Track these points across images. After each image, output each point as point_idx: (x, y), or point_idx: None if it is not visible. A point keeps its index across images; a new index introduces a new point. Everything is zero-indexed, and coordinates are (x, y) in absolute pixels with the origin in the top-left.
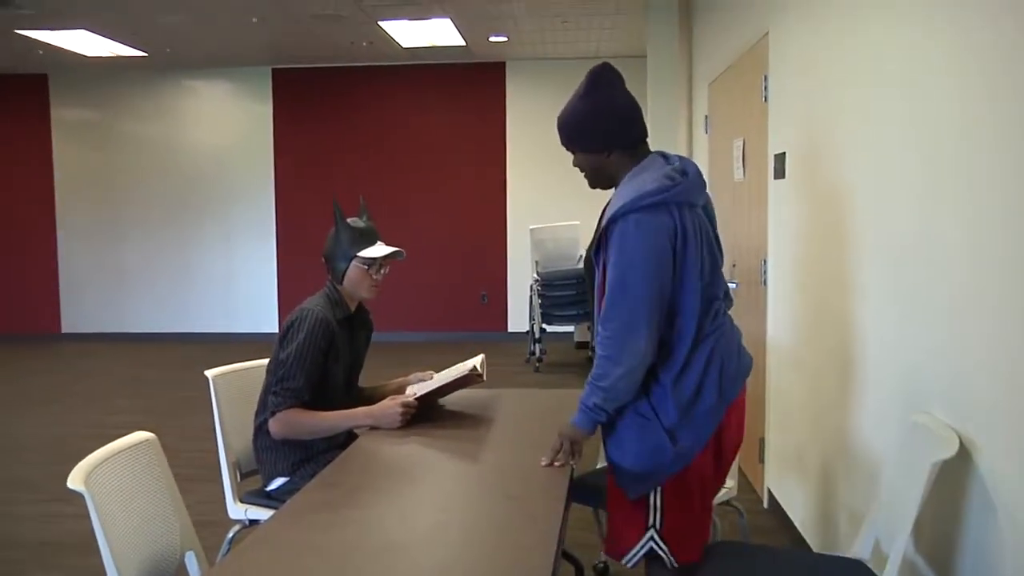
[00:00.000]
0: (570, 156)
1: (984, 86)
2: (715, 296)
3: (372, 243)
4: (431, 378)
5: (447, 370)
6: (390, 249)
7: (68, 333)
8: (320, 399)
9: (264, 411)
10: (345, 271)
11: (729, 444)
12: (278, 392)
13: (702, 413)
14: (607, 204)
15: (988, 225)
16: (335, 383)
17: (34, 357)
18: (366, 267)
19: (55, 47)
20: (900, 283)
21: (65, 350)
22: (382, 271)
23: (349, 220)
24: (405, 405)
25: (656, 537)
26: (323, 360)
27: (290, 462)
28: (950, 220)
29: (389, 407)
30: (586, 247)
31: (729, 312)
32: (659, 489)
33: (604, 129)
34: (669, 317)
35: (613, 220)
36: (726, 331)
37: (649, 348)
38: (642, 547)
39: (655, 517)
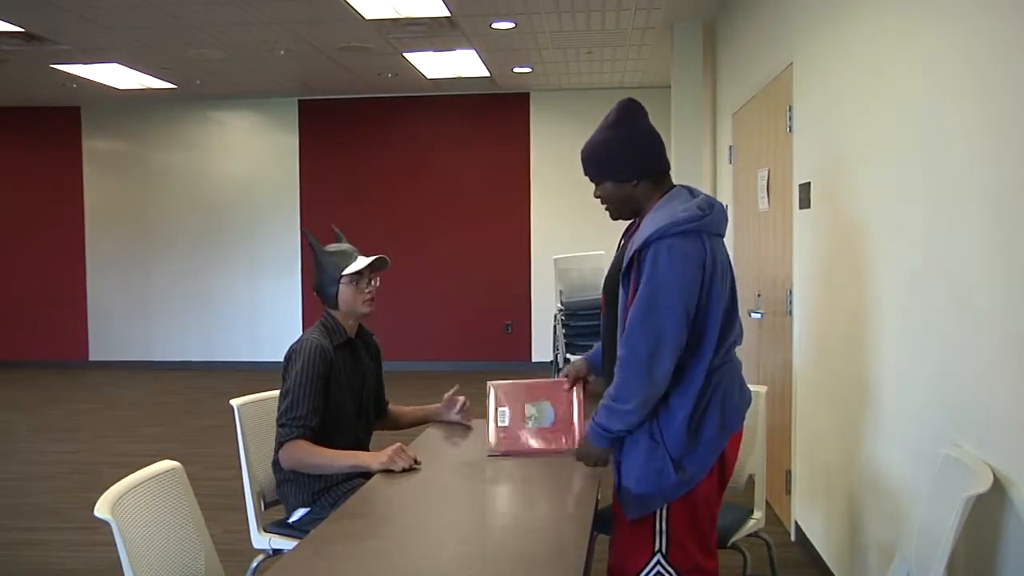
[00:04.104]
0: (592, 186)
1: (1011, 113)
2: (731, 329)
3: (353, 260)
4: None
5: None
6: (372, 258)
7: (96, 361)
8: (329, 425)
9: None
10: (336, 294)
11: (728, 472)
12: (284, 423)
13: (705, 443)
14: (626, 230)
15: (1017, 254)
16: (342, 408)
17: (62, 384)
18: (354, 283)
19: (88, 80)
20: (927, 314)
21: (92, 378)
22: (371, 283)
23: (327, 247)
24: (400, 456)
25: (663, 561)
26: (324, 386)
27: (309, 492)
28: (978, 250)
29: (384, 456)
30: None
31: (736, 348)
32: (664, 514)
33: (636, 157)
34: (689, 344)
35: (647, 244)
36: (732, 363)
37: (670, 373)
38: (649, 572)
39: (661, 541)
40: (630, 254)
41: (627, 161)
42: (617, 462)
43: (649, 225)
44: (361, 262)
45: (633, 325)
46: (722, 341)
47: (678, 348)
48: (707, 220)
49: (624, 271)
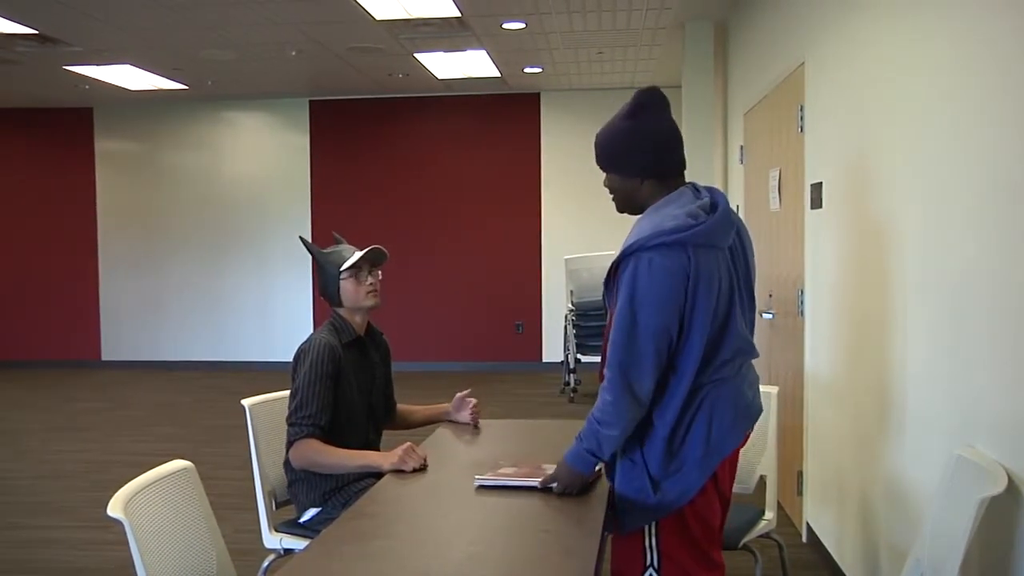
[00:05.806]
0: (602, 175)
1: None
2: (723, 346)
3: (350, 255)
4: (473, 406)
5: (518, 468)
6: (367, 248)
7: (108, 360)
8: (339, 425)
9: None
10: (339, 291)
11: (724, 488)
12: (294, 422)
13: (689, 464)
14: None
15: None
16: (352, 407)
17: (74, 384)
18: (354, 276)
19: (100, 81)
20: (941, 314)
21: (105, 377)
22: (371, 274)
23: (324, 249)
24: (410, 456)
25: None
26: (333, 385)
27: (320, 492)
28: (992, 251)
29: (395, 456)
30: None
31: (751, 361)
32: (653, 530)
33: (642, 156)
34: (670, 361)
35: (624, 256)
36: (725, 382)
37: (652, 392)
38: None
39: (652, 557)
40: (611, 264)
41: (633, 159)
42: (609, 474)
43: (633, 233)
44: (357, 254)
45: (614, 347)
46: (711, 359)
47: (659, 367)
48: (697, 231)
49: (606, 282)
